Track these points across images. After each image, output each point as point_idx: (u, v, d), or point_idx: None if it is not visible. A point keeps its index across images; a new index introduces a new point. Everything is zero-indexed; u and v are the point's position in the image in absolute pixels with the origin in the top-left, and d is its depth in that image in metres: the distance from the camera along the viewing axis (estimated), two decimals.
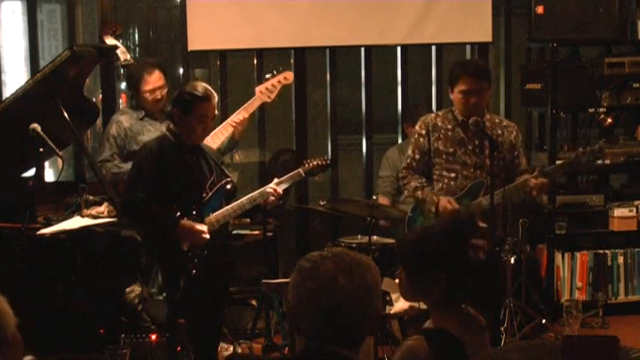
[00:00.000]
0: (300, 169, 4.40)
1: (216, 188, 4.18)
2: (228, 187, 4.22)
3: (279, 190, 4.27)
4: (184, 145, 4.14)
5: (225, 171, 4.33)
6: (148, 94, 5.03)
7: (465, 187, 4.59)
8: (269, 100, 5.06)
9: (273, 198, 4.27)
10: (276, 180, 4.32)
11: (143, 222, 4.16)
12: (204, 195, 4.16)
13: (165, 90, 5.08)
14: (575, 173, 5.81)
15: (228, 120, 5.02)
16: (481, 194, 4.55)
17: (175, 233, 4.05)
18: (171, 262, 4.10)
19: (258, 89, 5.05)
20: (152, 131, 4.90)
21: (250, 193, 4.27)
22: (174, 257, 4.08)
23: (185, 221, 4.07)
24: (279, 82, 5.04)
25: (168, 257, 4.10)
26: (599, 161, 5.08)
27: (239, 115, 4.99)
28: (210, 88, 4.17)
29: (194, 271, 4.08)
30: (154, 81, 5.03)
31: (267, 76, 5.10)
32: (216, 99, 4.14)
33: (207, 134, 4.24)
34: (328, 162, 4.46)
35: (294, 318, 2.18)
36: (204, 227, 4.09)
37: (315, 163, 4.40)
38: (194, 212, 4.14)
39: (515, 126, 4.82)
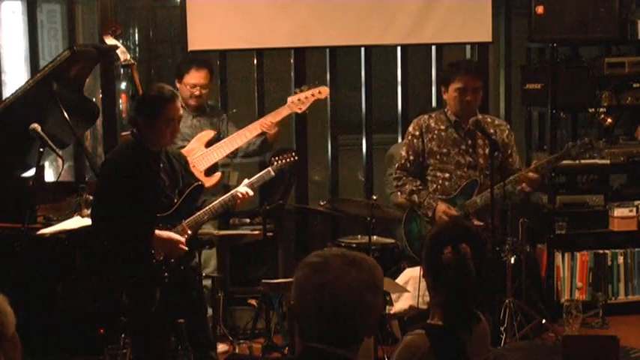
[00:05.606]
0: (269, 168, 4.40)
1: (185, 194, 4.06)
2: (197, 191, 4.12)
3: (250, 192, 4.23)
4: (151, 151, 4.00)
5: (193, 173, 4.23)
6: (188, 87, 5.13)
7: (459, 186, 4.62)
8: (299, 111, 5.14)
9: (243, 199, 4.23)
10: (246, 181, 4.29)
11: (117, 237, 3.93)
12: (175, 201, 4.05)
13: (206, 90, 5.22)
14: (574, 173, 5.80)
15: (258, 122, 5.08)
16: (475, 193, 4.58)
17: (152, 244, 3.89)
18: (145, 274, 3.91)
19: (290, 99, 5.10)
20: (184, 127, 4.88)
21: (221, 197, 4.20)
22: (148, 268, 3.91)
23: (161, 231, 3.94)
24: (312, 95, 5.08)
25: (142, 269, 3.91)
26: (597, 159, 5.06)
27: (267, 119, 5.06)
28: (172, 89, 4.09)
29: (167, 281, 3.95)
30: (199, 77, 5.13)
31: (303, 87, 5.14)
32: (180, 100, 4.06)
33: (175, 137, 4.13)
34: (295, 157, 4.49)
35: (295, 317, 2.17)
36: (182, 239, 3.97)
37: (283, 160, 4.42)
38: (166, 219, 4.00)
39: (507, 125, 4.83)
